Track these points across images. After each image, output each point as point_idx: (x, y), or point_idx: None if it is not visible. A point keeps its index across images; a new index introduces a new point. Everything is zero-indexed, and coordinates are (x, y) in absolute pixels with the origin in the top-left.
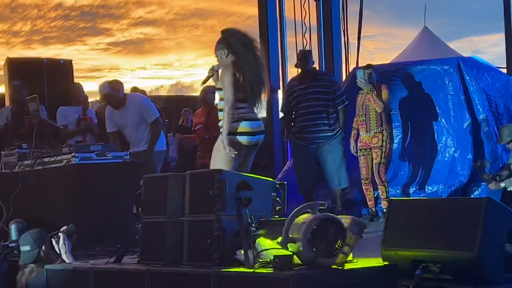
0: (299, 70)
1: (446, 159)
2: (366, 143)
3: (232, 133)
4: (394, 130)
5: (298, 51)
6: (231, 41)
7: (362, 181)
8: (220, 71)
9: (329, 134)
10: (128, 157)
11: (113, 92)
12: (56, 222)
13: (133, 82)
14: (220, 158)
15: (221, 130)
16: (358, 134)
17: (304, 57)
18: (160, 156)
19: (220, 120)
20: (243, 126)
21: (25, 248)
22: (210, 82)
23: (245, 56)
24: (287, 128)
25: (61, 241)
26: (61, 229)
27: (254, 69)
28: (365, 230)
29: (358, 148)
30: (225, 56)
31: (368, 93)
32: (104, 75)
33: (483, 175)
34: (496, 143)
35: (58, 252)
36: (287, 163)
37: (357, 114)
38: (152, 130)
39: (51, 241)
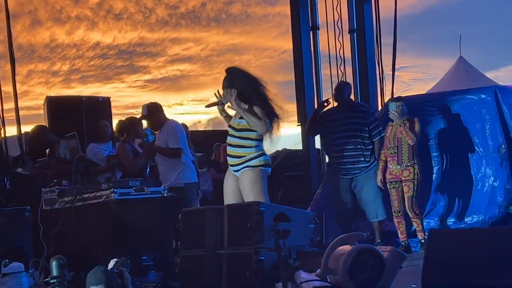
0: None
1: (486, 189)
2: (396, 176)
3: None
4: (431, 161)
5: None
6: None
7: (394, 213)
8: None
9: (365, 165)
10: (166, 192)
11: (149, 115)
12: (96, 258)
13: (170, 118)
14: (260, 188)
15: (249, 163)
16: (385, 167)
17: (338, 89)
18: (192, 188)
19: (239, 156)
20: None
21: (96, 287)
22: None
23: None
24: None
25: (125, 275)
26: (115, 263)
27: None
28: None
29: (387, 181)
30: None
31: (400, 126)
32: None
33: None
34: None
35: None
36: (317, 191)
37: (386, 146)
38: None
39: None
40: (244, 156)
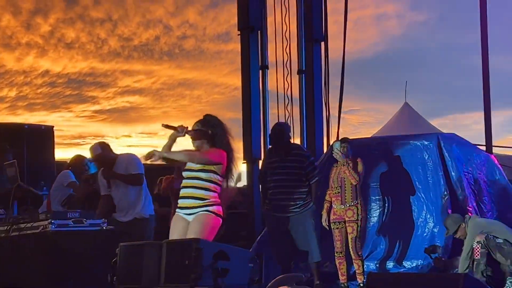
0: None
1: (426, 234)
2: (340, 216)
3: None
4: (373, 204)
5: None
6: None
7: (336, 254)
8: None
9: (299, 209)
10: (105, 224)
11: (104, 152)
12: None
13: (117, 150)
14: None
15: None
16: (330, 207)
17: (277, 131)
18: (154, 220)
19: (201, 198)
20: None
21: None
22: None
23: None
24: (263, 197)
25: None
26: None
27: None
28: None
29: (331, 221)
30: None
31: (343, 165)
32: (88, 142)
33: (434, 260)
34: (445, 235)
35: None
36: (262, 232)
37: (330, 187)
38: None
39: None
40: (207, 199)
